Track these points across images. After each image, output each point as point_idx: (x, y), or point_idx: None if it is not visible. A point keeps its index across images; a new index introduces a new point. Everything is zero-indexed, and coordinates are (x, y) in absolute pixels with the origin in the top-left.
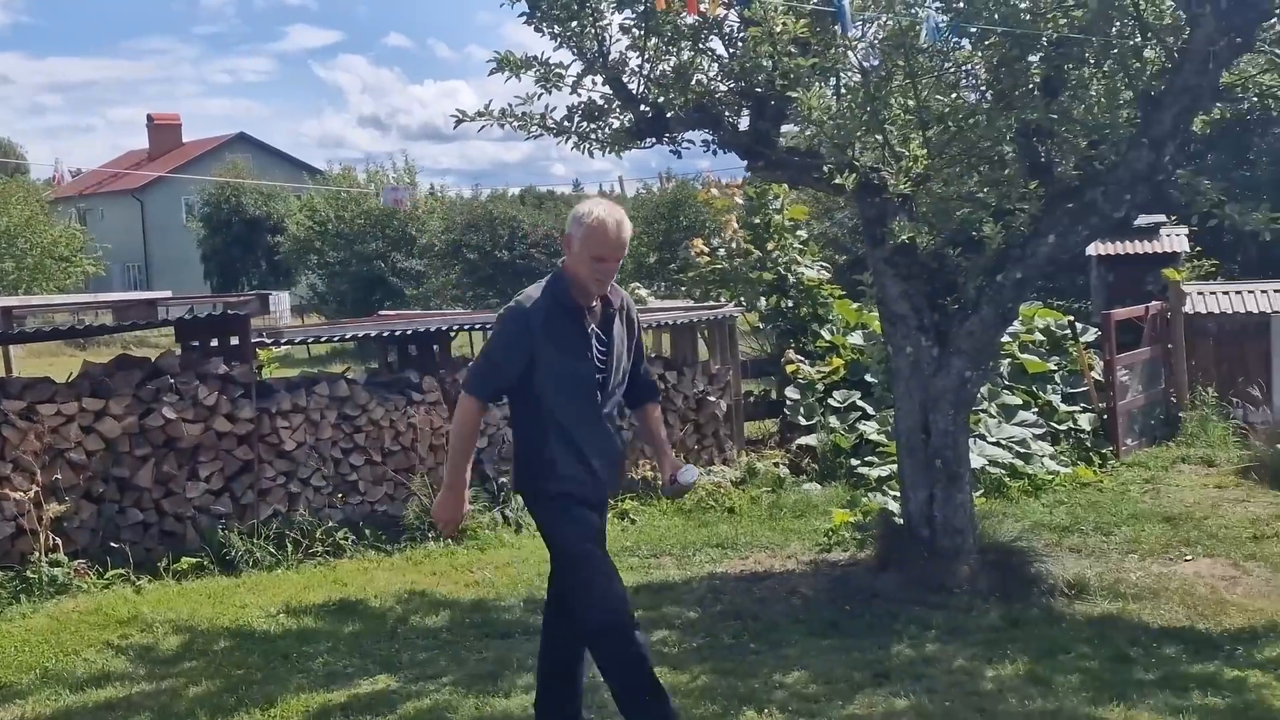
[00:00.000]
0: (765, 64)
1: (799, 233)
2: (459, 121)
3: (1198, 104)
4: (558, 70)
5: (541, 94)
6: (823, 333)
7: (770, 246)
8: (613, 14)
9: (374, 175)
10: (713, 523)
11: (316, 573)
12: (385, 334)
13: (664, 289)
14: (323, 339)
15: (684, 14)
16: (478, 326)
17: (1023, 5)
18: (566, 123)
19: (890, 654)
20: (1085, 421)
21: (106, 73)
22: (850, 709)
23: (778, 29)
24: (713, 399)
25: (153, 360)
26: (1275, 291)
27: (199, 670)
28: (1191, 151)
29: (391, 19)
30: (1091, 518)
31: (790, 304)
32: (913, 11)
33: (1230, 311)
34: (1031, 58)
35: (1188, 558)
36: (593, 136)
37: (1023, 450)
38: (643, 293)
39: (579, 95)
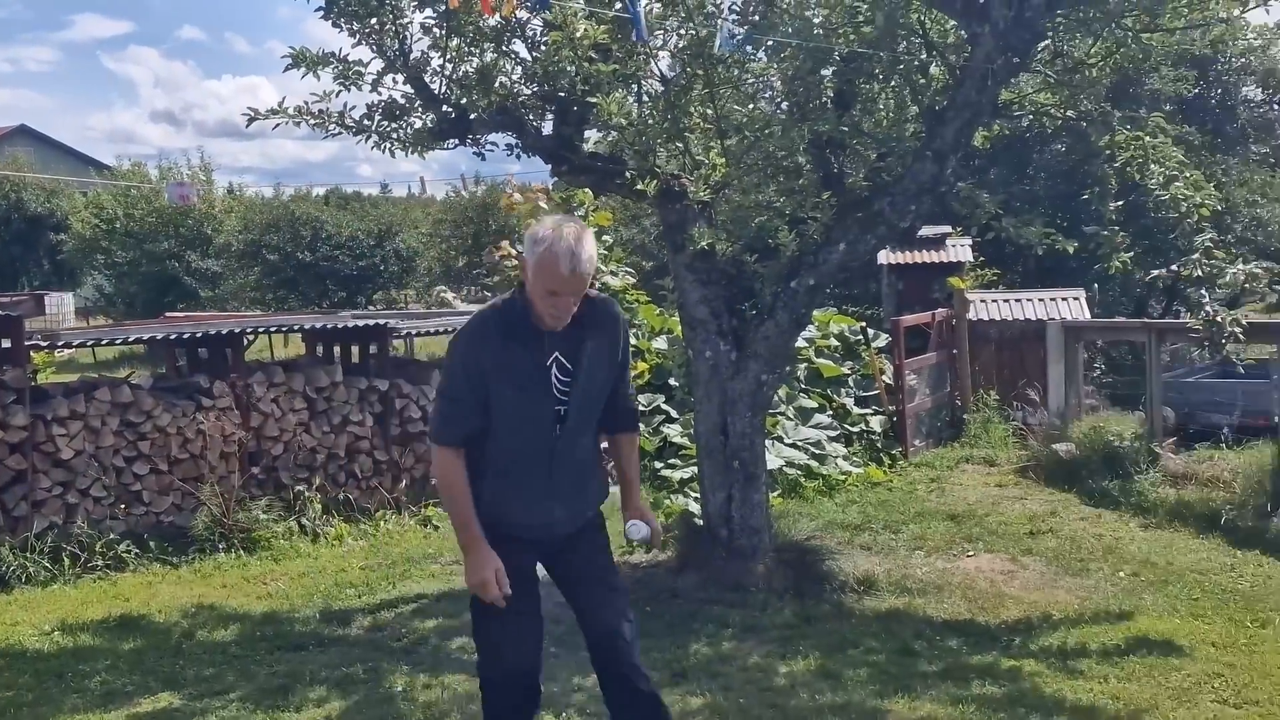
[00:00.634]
0: (568, 69)
1: (604, 238)
2: (251, 119)
3: (978, 119)
4: (357, 68)
5: (340, 92)
6: None
7: None
8: (414, 12)
9: (166, 172)
10: None
11: (96, 588)
12: (173, 336)
13: (473, 293)
14: (104, 341)
15: (482, 15)
16: (274, 329)
17: (816, 20)
18: (366, 121)
19: (688, 653)
20: (876, 424)
21: None
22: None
23: (578, 34)
24: None
25: None
26: (1051, 300)
27: None
28: (975, 166)
29: (186, 11)
30: (881, 516)
31: None
32: (711, 22)
33: (1010, 319)
34: (824, 71)
35: (970, 553)
36: (394, 136)
37: (818, 452)
38: (449, 296)
39: (379, 94)
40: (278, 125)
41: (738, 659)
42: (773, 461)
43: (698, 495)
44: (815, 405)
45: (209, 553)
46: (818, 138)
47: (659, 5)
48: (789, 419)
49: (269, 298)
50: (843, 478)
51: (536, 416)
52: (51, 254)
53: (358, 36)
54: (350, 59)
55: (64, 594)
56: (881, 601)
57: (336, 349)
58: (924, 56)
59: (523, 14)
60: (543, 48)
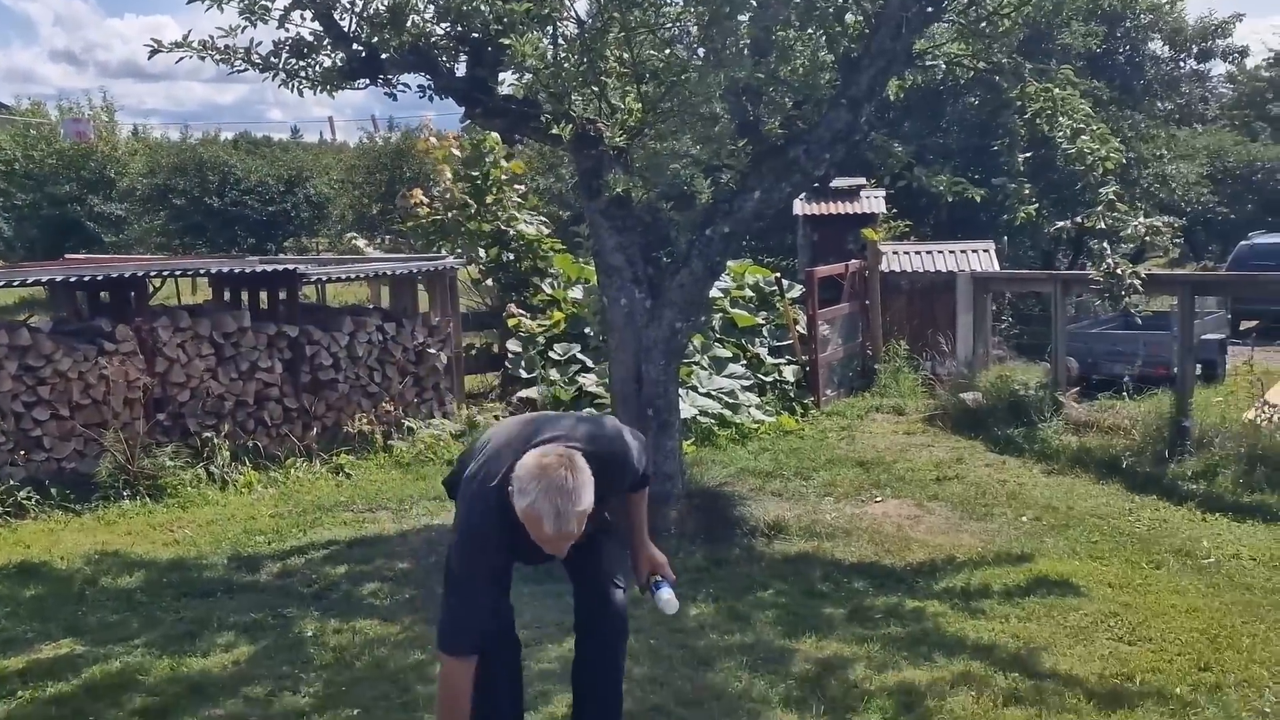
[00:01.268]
0: (482, 8)
1: (518, 187)
2: (154, 52)
3: (892, 68)
4: (264, 2)
5: (246, 28)
6: (544, 286)
7: (489, 200)
8: None
9: (67, 112)
10: (430, 475)
11: None
12: (73, 279)
13: (387, 241)
14: (0, 284)
15: None
16: (179, 273)
17: None
18: (273, 59)
19: None
20: (790, 373)
21: None
22: (558, 650)
23: None
24: (433, 351)
25: None
26: (962, 252)
27: None
28: (889, 119)
29: None
30: (793, 463)
31: (511, 257)
32: None
33: (921, 270)
34: (741, 17)
35: (878, 499)
36: (302, 74)
37: (731, 401)
38: (361, 244)
39: (287, 30)
40: (181, 59)
41: (649, 601)
42: (687, 410)
43: None
44: (730, 355)
45: (113, 500)
46: (734, 85)
47: None
48: (703, 368)
49: (176, 244)
50: (755, 426)
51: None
52: None
53: None
54: None
55: None
56: (791, 545)
57: (245, 295)
58: (840, 3)
59: None
60: None
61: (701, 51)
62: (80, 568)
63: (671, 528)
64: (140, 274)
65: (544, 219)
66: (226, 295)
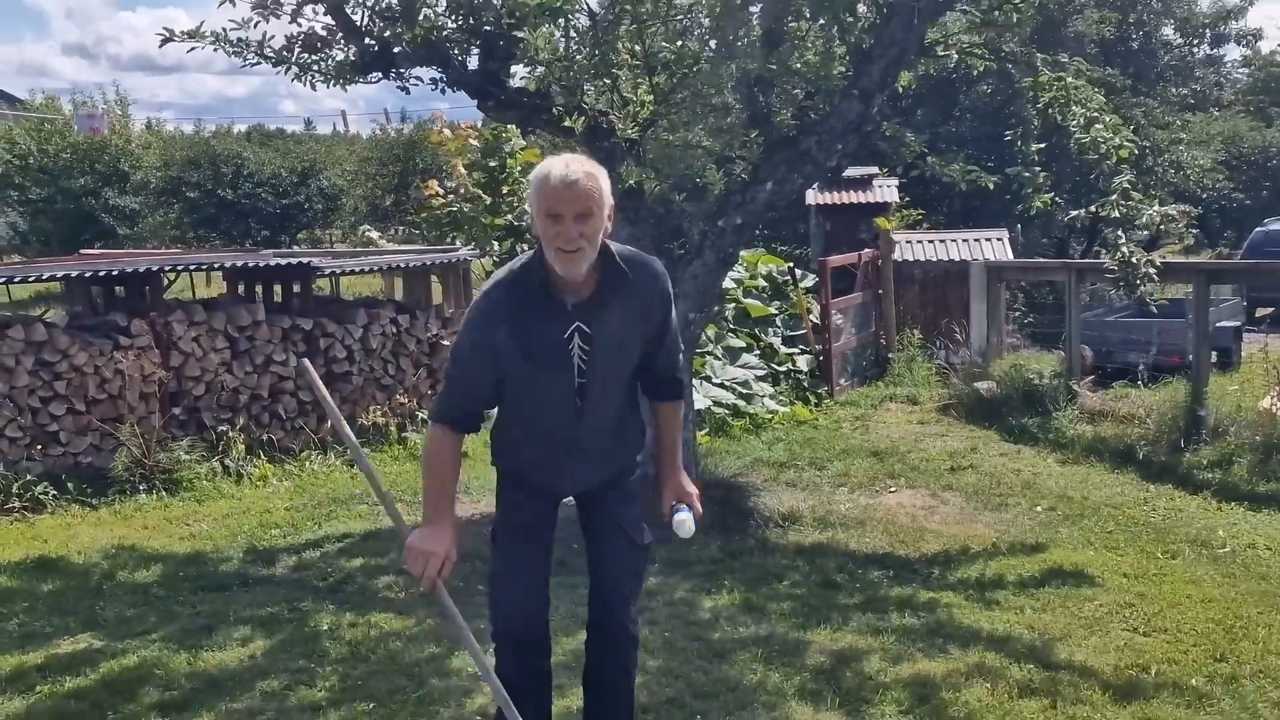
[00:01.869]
0: (494, 1)
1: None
2: (165, 41)
3: (904, 58)
4: None
5: (259, 21)
6: None
7: (505, 191)
8: None
9: (80, 105)
10: None
11: (12, 530)
12: (88, 274)
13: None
14: (16, 280)
15: None
16: (193, 267)
17: None
18: (286, 53)
19: None
20: (803, 363)
21: None
22: (573, 644)
23: None
24: (446, 343)
25: None
26: (975, 240)
27: None
28: (901, 108)
29: None
30: (807, 453)
31: (525, 248)
32: None
33: (935, 259)
34: (753, 8)
35: (892, 489)
36: (314, 68)
37: (745, 391)
38: (374, 235)
39: (299, 24)
40: (193, 49)
41: (663, 594)
42: (700, 401)
43: None
44: (743, 345)
45: (129, 494)
46: (746, 76)
47: None
48: (717, 358)
49: (190, 236)
50: (769, 416)
51: (555, 392)
52: None
53: None
54: None
55: None
56: (805, 536)
57: (259, 288)
58: None
59: None
60: None
61: (713, 43)
62: (97, 562)
63: None
64: (155, 269)
65: None
66: (241, 289)
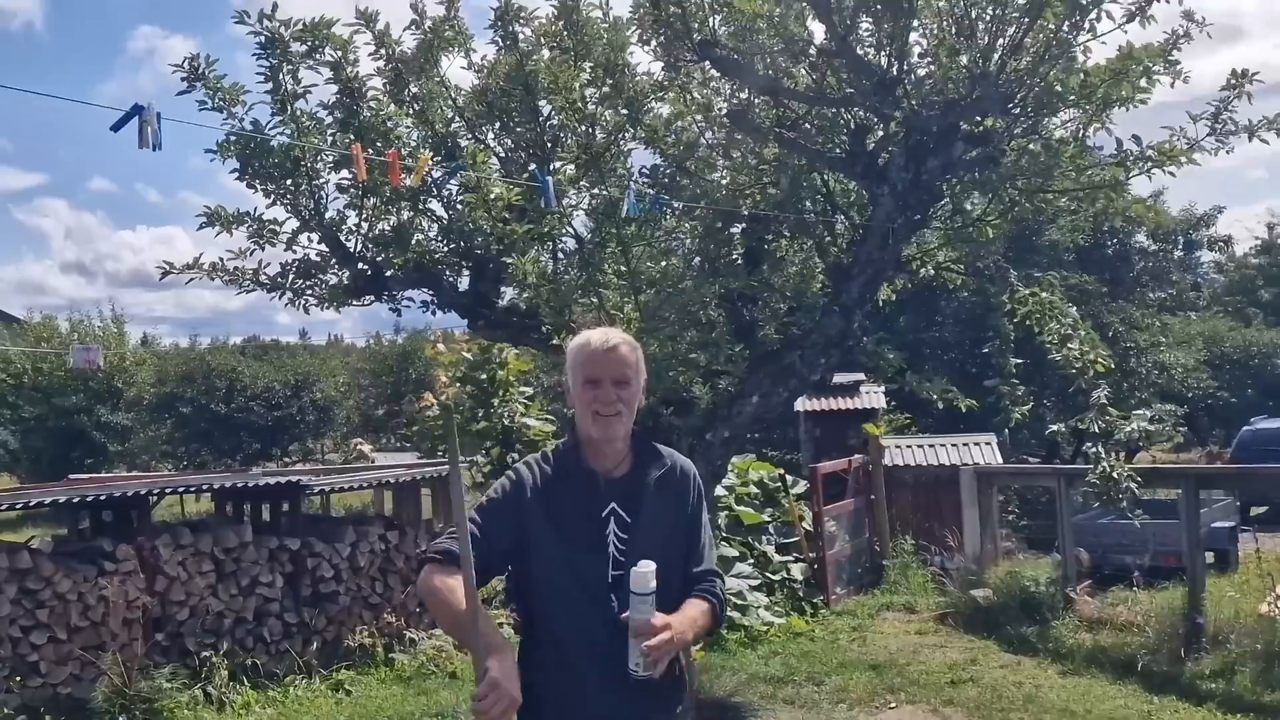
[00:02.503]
0: (484, 226)
1: (524, 388)
2: (165, 274)
3: (881, 275)
4: (272, 226)
5: (254, 249)
6: None
7: (495, 401)
8: (329, 173)
9: (77, 325)
10: (433, 690)
11: None
12: (75, 500)
13: (393, 443)
14: (4, 506)
15: (390, 183)
16: (181, 489)
17: (724, 182)
18: (280, 279)
19: None
20: (798, 571)
21: None
22: None
23: (492, 195)
24: None
25: None
26: (964, 445)
27: None
28: (885, 314)
29: (96, 163)
30: (804, 668)
31: (516, 457)
32: (623, 182)
33: (925, 464)
34: (734, 229)
35: (892, 705)
36: (308, 293)
37: (740, 603)
38: (366, 449)
39: (294, 251)
40: (190, 280)
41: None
42: None
43: None
44: (736, 554)
45: None
46: (729, 292)
47: (572, 168)
48: None
49: (181, 451)
50: (765, 628)
51: (589, 575)
52: None
53: (273, 197)
54: (265, 218)
55: None
56: None
57: (247, 506)
58: (830, 214)
59: (437, 173)
60: (458, 207)
61: (697, 261)
62: None
63: None
64: (142, 493)
65: (550, 416)
66: (229, 509)
